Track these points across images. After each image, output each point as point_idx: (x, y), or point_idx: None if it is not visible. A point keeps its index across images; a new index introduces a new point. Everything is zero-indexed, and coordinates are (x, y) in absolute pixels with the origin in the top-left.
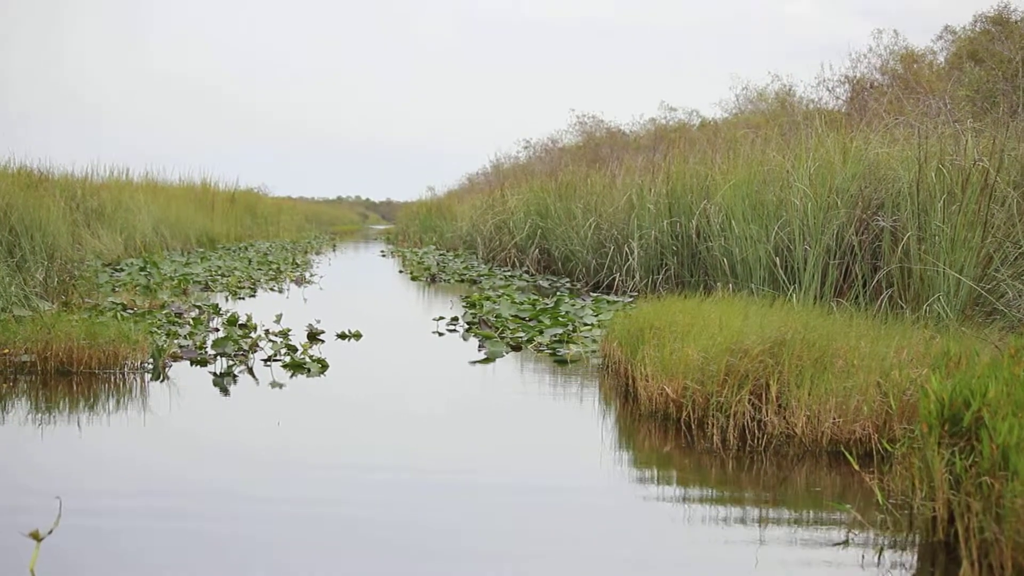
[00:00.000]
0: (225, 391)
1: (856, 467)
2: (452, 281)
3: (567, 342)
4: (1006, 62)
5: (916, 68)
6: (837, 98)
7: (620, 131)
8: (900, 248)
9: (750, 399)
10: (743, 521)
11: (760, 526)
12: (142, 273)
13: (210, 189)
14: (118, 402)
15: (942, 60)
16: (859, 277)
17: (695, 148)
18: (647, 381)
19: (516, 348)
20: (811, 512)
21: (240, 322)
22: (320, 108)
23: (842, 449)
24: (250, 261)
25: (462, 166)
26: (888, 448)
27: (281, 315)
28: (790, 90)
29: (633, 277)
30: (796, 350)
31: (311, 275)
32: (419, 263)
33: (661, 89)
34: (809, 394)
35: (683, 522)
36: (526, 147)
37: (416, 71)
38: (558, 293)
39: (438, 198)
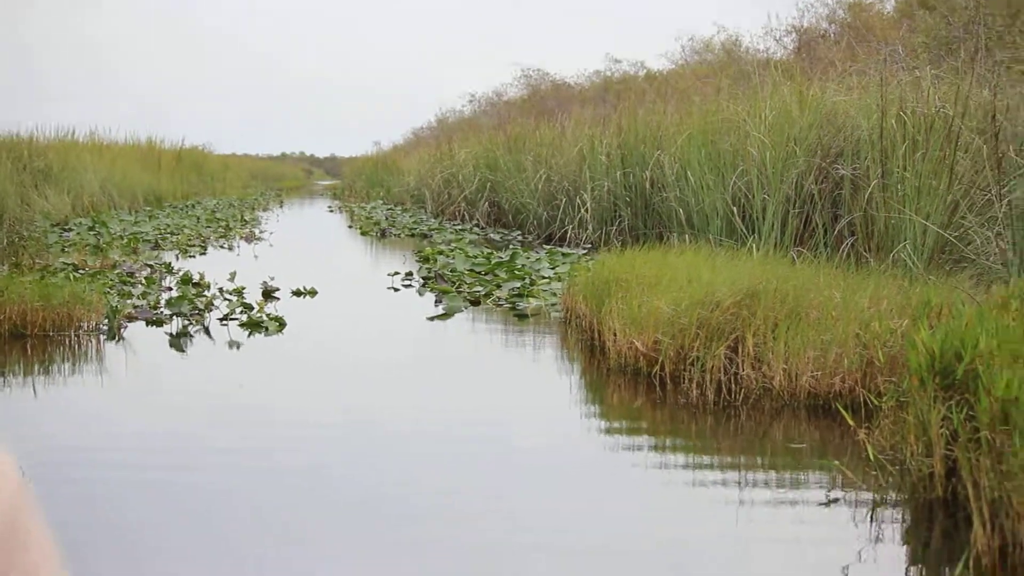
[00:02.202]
0: (182, 351)
1: (851, 422)
2: (403, 236)
3: (526, 296)
4: (959, 9)
5: (865, 17)
6: (785, 48)
7: (566, 84)
8: (863, 196)
9: (725, 353)
10: (723, 478)
11: (742, 483)
12: (91, 233)
13: (156, 147)
14: (74, 364)
15: (890, 8)
16: (820, 226)
17: (645, 99)
18: (616, 335)
19: (475, 303)
20: (794, 469)
21: (193, 281)
22: (263, 65)
23: (836, 404)
24: (198, 219)
25: (407, 120)
26: (875, 402)
27: (235, 273)
28: (736, 40)
29: (586, 229)
30: (769, 302)
31: (260, 232)
32: (368, 218)
33: (606, 41)
34: (786, 347)
35: (661, 479)
36: (471, 101)
37: (357, 23)
38: (511, 246)
39: (384, 152)
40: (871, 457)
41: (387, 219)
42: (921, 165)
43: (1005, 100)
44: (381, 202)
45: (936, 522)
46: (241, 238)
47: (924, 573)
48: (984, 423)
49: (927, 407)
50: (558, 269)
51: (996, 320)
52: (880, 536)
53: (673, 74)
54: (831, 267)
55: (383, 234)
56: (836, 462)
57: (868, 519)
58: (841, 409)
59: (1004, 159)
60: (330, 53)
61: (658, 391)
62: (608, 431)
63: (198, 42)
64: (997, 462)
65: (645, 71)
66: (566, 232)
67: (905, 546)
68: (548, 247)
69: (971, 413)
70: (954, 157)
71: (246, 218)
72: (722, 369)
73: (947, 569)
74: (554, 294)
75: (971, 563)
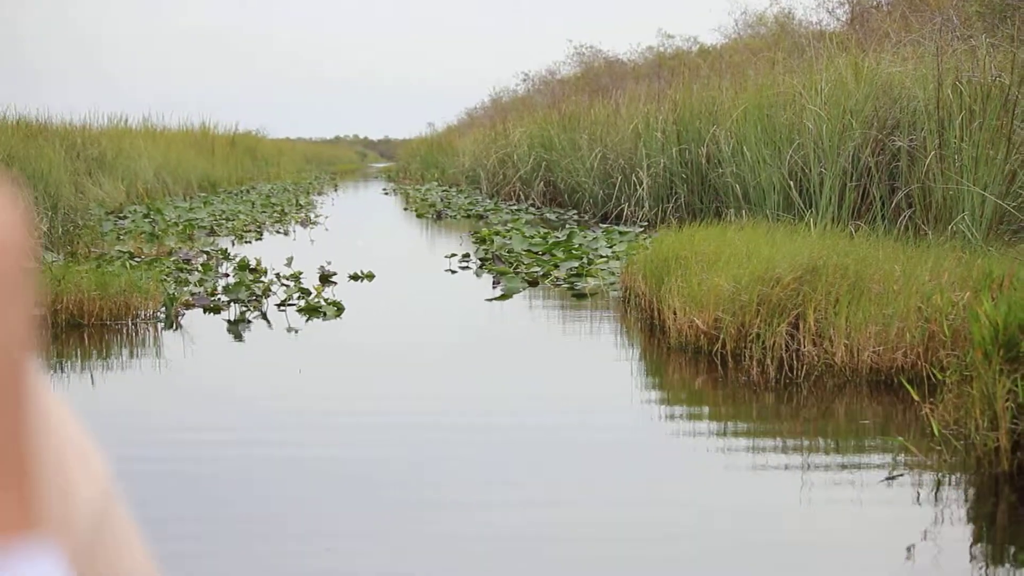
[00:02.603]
0: (240, 337)
1: (915, 397)
2: (458, 217)
3: (584, 275)
4: None
5: None
6: (837, 19)
7: (619, 60)
8: (920, 168)
9: (786, 329)
10: (786, 457)
11: (805, 461)
12: (146, 220)
13: (209, 133)
14: (132, 353)
15: None
16: (877, 198)
17: (699, 75)
18: (676, 313)
19: (533, 283)
20: (857, 445)
21: (250, 266)
22: (314, 48)
23: (899, 379)
24: (253, 204)
25: (460, 101)
26: (938, 376)
27: (292, 258)
28: (789, 13)
29: (642, 207)
30: (829, 277)
31: (316, 216)
32: (423, 200)
33: (658, 17)
34: (847, 322)
35: (724, 458)
36: (524, 80)
37: (409, 6)
38: (567, 226)
39: (438, 134)
40: (935, 432)
41: (442, 200)
42: (978, 135)
43: None
44: (436, 183)
45: (1002, 496)
46: (297, 223)
47: (992, 548)
48: None
49: (992, 380)
50: (615, 248)
51: None
52: (946, 511)
53: (727, 48)
54: (889, 240)
55: (439, 216)
56: (900, 438)
57: (933, 494)
58: (905, 383)
59: None
60: (383, 36)
61: (719, 369)
62: (670, 411)
63: (253, 32)
64: None
65: (698, 46)
66: (622, 210)
67: (971, 521)
68: (604, 226)
69: None
70: (1011, 126)
71: (301, 202)
72: (783, 346)
73: (1015, 543)
74: (612, 273)
75: None
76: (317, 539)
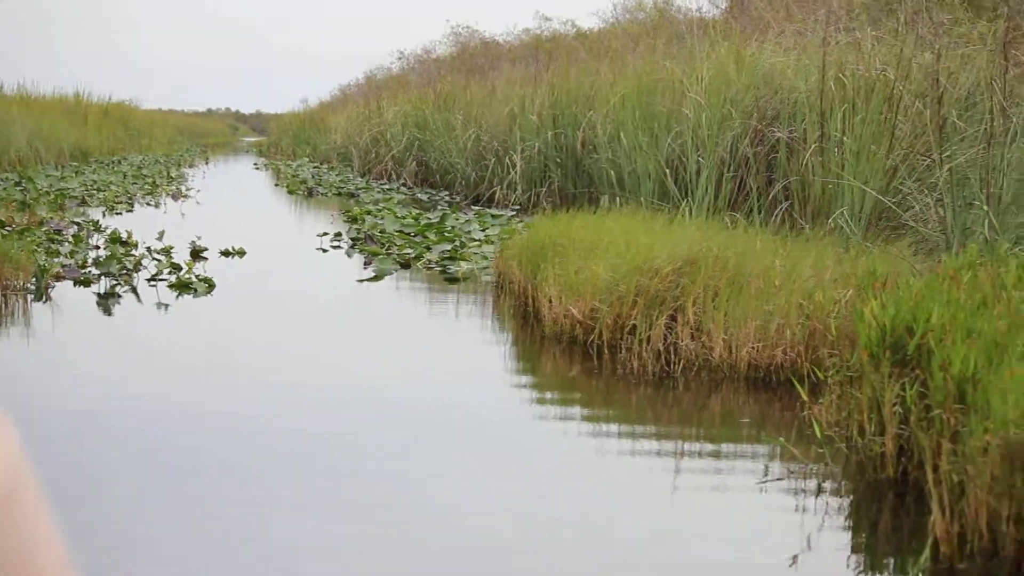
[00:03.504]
0: (110, 312)
1: (805, 397)
2: (329, 195)
3: (457, 259)
4: None
5: None
6: (717, 7)
7: (495, 41)
8: (799, 160)
9: (664, 322)
10: (660, 453)
11: (680, 459)
12: (17, 188)
13: (83, 102)
14: (1, 324)
15: None
16: (754, 190)
17: (577, 58)
18: (551, 302)
19: (405, 265)
20: (735, 444)
21: (122, 239)
22: (187, 18)
23: (785, 377)
24: (125, 175)
25: (334, 77)
26: (820, 376)
27: (163, 232)
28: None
29: (515, 190)
30: (709, 270)
31: (187, 189)
32: (294, 176)
33: None
34: (726, 317)
35: (595, 450)
36: (400, 58)
37: None
38: (439, 207)
39: (311, 110)
40: (818, 435)
41: (314, 178)
42: (861, 129)
43: (947, 63)
44: (307, 160)
45: (886, 502)
46: (168, 195)
47: (875, 555)
48: (938, 402)
49: (880, 384)
50: (488, 231)
51: (947, 293)
52: (829, 517)
53: (605, 33)
54: (767, 233)
55: (310, 193)
56: (781, 439)
57: (815, 499)
58: (796, 384)
59: (946, 124)
60: (259, 8)
61: (594, 360)
62: (543, 400)
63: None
64: (953, 443)
65: (576, 29)
66: (495, 193)
67: (856, 527)
68: (476, 208)
69: (922, 391)
70: (895, 121)
71: (172, 175)
72: (662, 339)
73: (898, 551)
74: (485, 257)
75: (928, 550)
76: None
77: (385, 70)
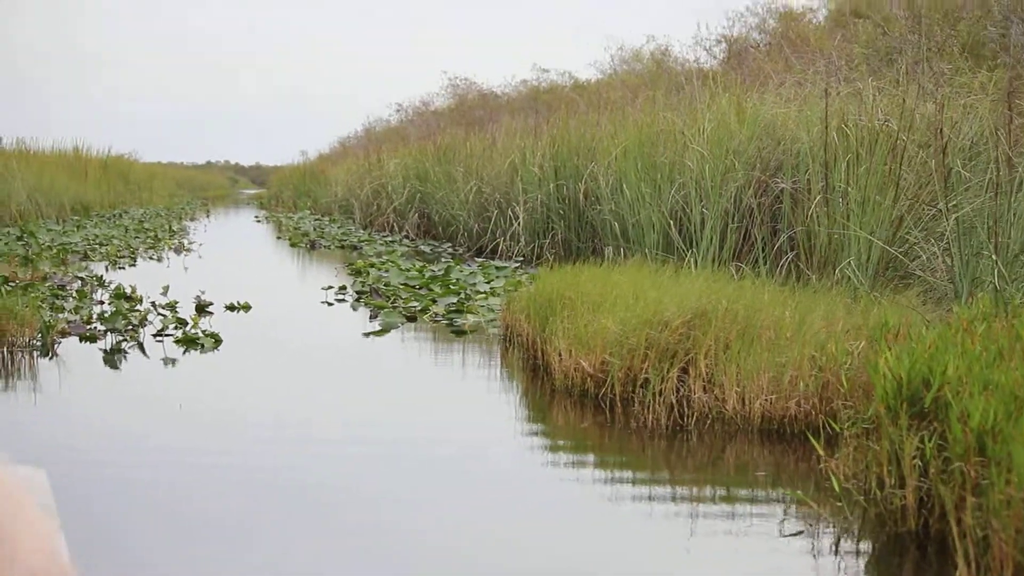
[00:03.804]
0: (116, 367)
1: (820, 452)
2: (332, 247)
3: (464, 311)
4: (893, 19)
5: (797, 26)
6: (714, 58)
7: (493, 93)
8: (806, 211)
9: (677, 375)
10: (676, 507)
11: (696, 513)
12: (20, 243)
13: (83, 156)
14: (6, 383)
15: (821, 18)
16: (759, 240)
17: (576, 110)
18: (561, 355)
19: (411, 318)
20: (751, 498)
21: (126, 295)
22: (186, 70)
23: (792, 430)
24: (126, 229)
25: (333, 130)
26: (836, 428)
27: (167, 287)
28: (666, 50)
29: (518, 242)
30: (719, 322)
31: (189, 242)
32: (296, 229)
33: (533, 50)
34: (738, 369)
35: (610, 505)
36: (398, 110)
37: (284, 31)
38: (442, 259)
39: (311, 162)
40: (836, 488)
41: (316, 230)
42: (865, 179)
43: (950, 113)
44: (308, 212)
45: (908, 555)
46: (170, 249)
47: None
48: (957, 454)
49: (900, 437)
50: (493, 284)
51: (962, 344)
52: (849, 570)
53: (602, 84)
54: (773, 283)
55: (312, 246)
56: (798, 492)
57: (834, 553)
58: (812, 439)
59: (951, 174)
60: (255, 61)
61: (606, 413)
62: (555, 450)
63: (121, 57)
64: (975, 496)
65: (573, 81)
66: (498, 244)
67: None
68: (480, 260)
69: (940, 443)
70: (900, 171)
71: (174, 228)
72: (674, 392)
73: None
74: (491, 310)
75: None
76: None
77: (384, 122)
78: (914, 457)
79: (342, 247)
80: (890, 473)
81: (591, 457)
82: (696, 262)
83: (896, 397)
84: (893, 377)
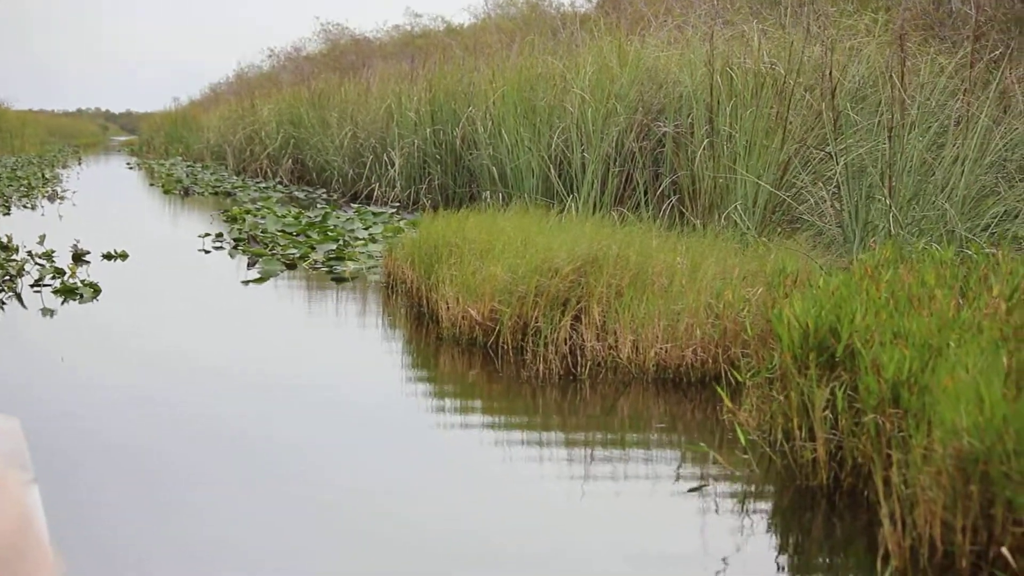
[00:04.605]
0: None
1: (728, 403)
2: (206, 194)
3: (344, 258)
4: None
5: None
6: (589, 2)
7: (365, 38)
8: (689, 155)
9: (570, 323)
10: (570, 460)
11: (591, 466)
12: None
13: None
14: None
15: None
16: (641, 185)
17: (450, 55)
18: (449, 303)
19: (290, 266)
20: (649, 449)
21: (2, 243)
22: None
23: (688, 378)
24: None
25: (204, 76)
26: (739, 378)
27: (44, 236)
28: None
29: (394, 188)
30: (611, 268)
31: (63, 190)
32: (169, 175)
33: None
34: (633, 317)
35: (500, 457)
36: (270, 56)
37: None
38: (317, 205)
39: (183, 108)
40: (742, 440)
41: (188, 177)
42: (751, 123)
43: (837, 56)
44: (180, 159)
45: (818, 511)
46: (44, 197)
47: (814, 564)
48: (871, 406)
49: (809, 388)
50: (371, 230)
51: (867, 291)
52: (758, 525)
53: (477, 28)
54: (658, 228)
55: (186, 192)
56: (701, 444)
57: (740, 507)
58: (719, 389)
59: (839, 117)
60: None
61: (496, 363)
62: (443, 403)
63: None
64: (890, 450)
65: (446, 25)
66: (373, 190)
67: (787, 536)
68: (355, 206)
69: (851, 395)
70: (787, 115)
71: (47, 176)
72: (567, 340)
73: (838, 560)
74: (371, 256)
75: (879, 566)
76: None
77: (256, 68)
78: (824, 409)
79: (216, 194)
80: (800, 426)
81: (480, 407)
82: (577, 207)
83: (803, 346)
84: (800, 325)
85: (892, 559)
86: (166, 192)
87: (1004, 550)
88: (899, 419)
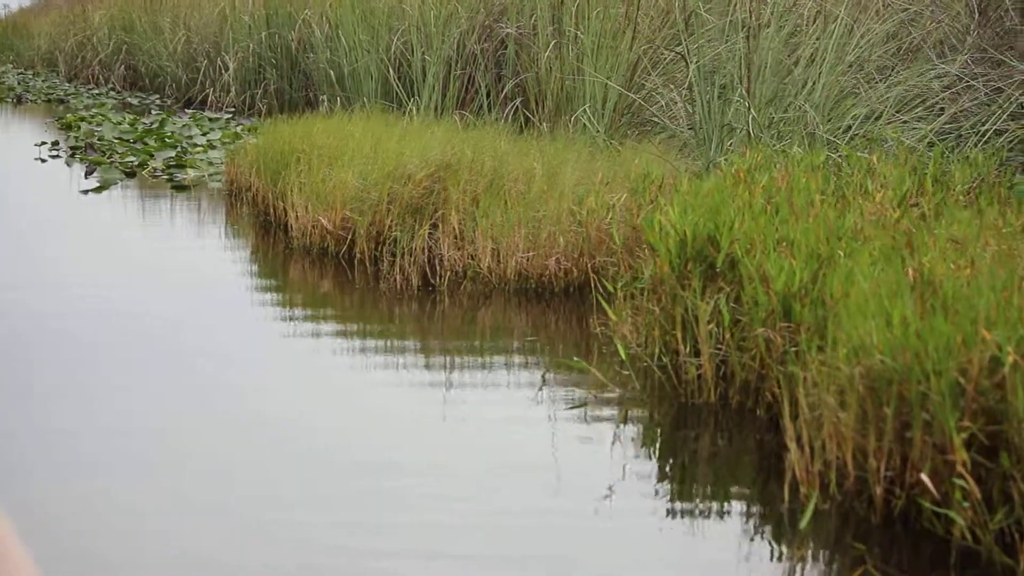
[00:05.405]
0: None
1: (612, 316)
2: (39, 101)
3: (184, 166)
4: None
5: None
6: None
7: None
8: (533, 57)
9: (428, 232)
10: (432, 377)
11: (457, 382)
12: None
13: None
14: None
15: None
16: (483, 87)
17: None
18: (298, 212)
19: (130, 174)
20: (520, 365)
21: None
22: None
23: (554, 288)
24: None
25: None
26: (610, 288)
27: None
28: None
29: (228, 92)
30: (466, 175)
31: None
32: (0, 83)
33: None
34: (492, 225)
35: (356, 374)
36: None
37: None
38: (152, 111)
39: (12, 15)
40: (622, 354)
41: (20, 84)
42: (597, 23)
43: None
44: (11, 66)
45: (705, 428)
46: None
47: (702, 485)
48: (760, 319)
49: (693, 301)
50: (209, 136)
51: (743, 197)
52: (643, 446)
53: None
54: (506, 132)
55: (19, 100)
56: (577, 359)
57: (623, 425)
58: (603, 302)
59: (692, 16)
60: None
61: (349, 274)
62: (293, 314)
63: None
64: (779, 363)
65: None
66: (207, 96)
67: (672, 458)
68: (190, 111)
69: (734, 306)
70: (636, 14)
71: None
72: (425, 250)
73: (730, 478)
74: (211, 163)
75: (787, 491)
76: None
77: None
78: (709, 323)
79: (49, 101)
80: (684, 340)
81: (334, 317)
82: (418, 110)
83: (680, 256)
84: (676, 234)
85: (801, 486)
86: None
87: (923, 476)
88: (791, 333)
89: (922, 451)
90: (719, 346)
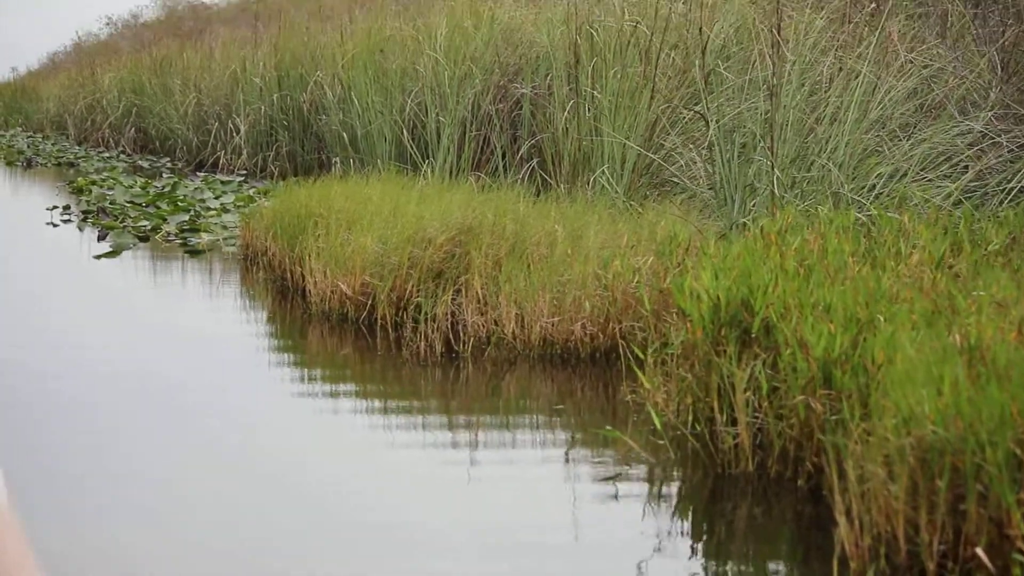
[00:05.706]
0: None
1: (647, 385)
2: (49, 165)
3: (198, 230)
4: None
5: None
6: None
7: (203, 4)
8: (549, 117)
9: (451, 297)
10: (457, 445)
11: (483, 452)
12: None
13: None
14: None
15: None
16: (499, 148)
17: (293, 18)
18: (316, 277)
19: (143, 238)
20: (550, 434)
21: None
22: None
23: (580, 354)
24: None
25: (43, 47)
26: (640, 354)
27: None
28: None
29: (240, 155)
30: (488, 238)
31: None
32: (9, 147)
33: None
34: (515, 290)
35: (380, 427)
36: (108, 23)
37: None
38: (163, 174)
39: (21, 78)
40: (657, 424)
41: (30, 147)
42: (615, 83)
43: (705, 13)
44: (20, 130)
45: (743, 501)
46: None
47: (741, 559)
48: (799, 387)
49: (730, 368)
50: (223, 199)
51: (774, 260)
52: (680, 520)
53: None
54: (522, 194)
55: (29, 163)
56: (611, 428)
57: (658, 497)
58: (636, 370)
59: (711, 74)
60: None
61: (370, 340)
62: (316, 385)
63: None
64: (819, 431)
65: None
66: (218, 158)
67: (709, 530)
68: (202, 174)
69: (769, 373)
70: (655, 74)
71: None
72: (448, 316)
73: (768, 549)
74: (225, 227)
75: (836, 565)
76: None
77: (94, 36)
78: (746, 390)
79: (59, 164)
80: (720, 408)
81: (356, 387)
82: (433, 172)
83: (714, 321)
84: (709, 298)
85: (851, 560)
86: (8, 164)
87: (979, 551)
88: (831, 401)
89: (977, 525)
90: (756, 414)
